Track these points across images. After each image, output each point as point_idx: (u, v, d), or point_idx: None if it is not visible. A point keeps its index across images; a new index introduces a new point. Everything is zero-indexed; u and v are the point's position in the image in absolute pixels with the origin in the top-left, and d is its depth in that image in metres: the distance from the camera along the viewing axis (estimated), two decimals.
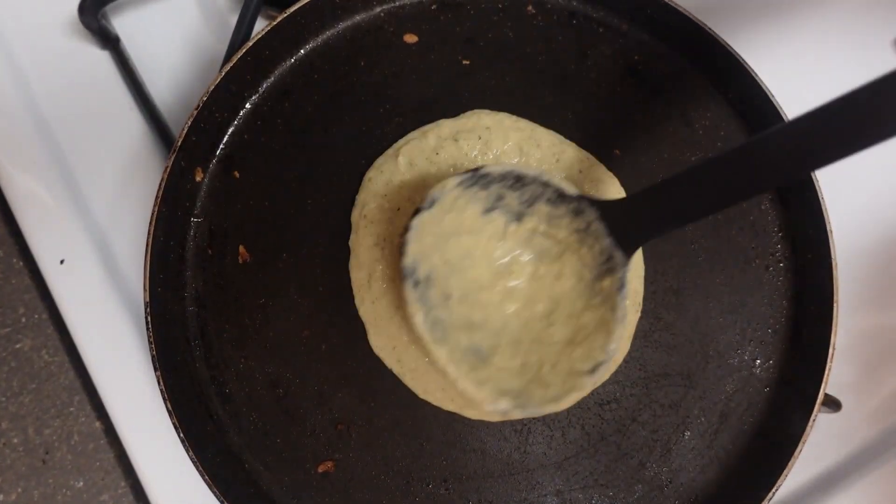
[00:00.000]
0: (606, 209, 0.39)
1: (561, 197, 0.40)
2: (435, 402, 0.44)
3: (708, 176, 0.34)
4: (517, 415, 0.37)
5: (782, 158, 0.30)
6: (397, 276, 0.41)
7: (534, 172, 0.40)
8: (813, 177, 0.44)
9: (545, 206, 0.40)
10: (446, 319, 0.39)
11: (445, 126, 0.47)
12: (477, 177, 0.39)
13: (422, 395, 0.44)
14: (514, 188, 0.40)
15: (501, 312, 0.41)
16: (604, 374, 0.38)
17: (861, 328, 0.54)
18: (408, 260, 0.38)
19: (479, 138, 0.46)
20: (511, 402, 0.37)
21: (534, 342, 0.40)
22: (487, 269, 0.41)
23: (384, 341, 0.44)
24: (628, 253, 0.38)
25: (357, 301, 0.45)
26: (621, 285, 0.38)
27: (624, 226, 0.38)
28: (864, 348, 0.54)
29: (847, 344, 0.53)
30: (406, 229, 0.39)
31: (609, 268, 0.39)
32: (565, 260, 0.41)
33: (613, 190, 0.46)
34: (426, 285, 0.39)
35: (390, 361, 0.44)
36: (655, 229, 0.38)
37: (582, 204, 0.39)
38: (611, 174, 0.47)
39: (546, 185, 0.40)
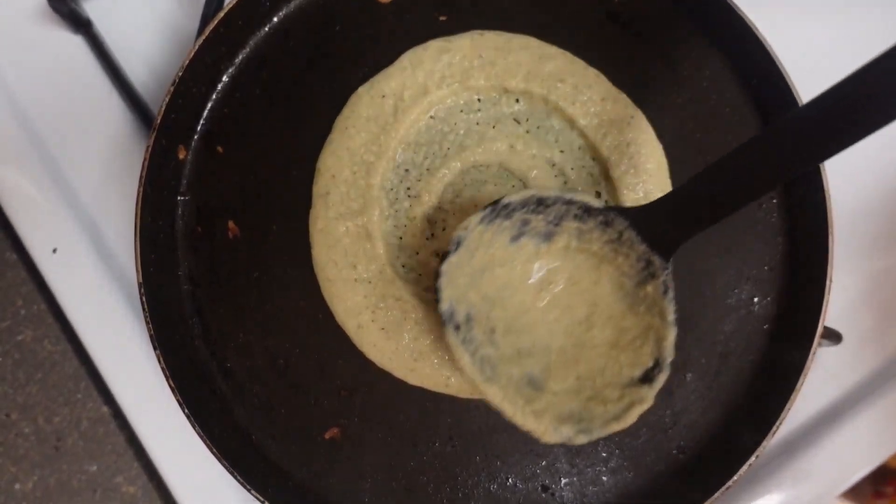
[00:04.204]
0: (635, 216, 0.38)
1: (587, 211, 0.39)
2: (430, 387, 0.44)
3: (728, 173, 0.34)
4: (582, 439, 0.37)
5: (809, 141, 0.30)
6: (437, 325, 0.41)
7: (555, 193, 0.39)
8: None
9: (573, 223, 0.40)
10: (494, 355, 0.39)
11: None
12: (498, 209, 0.39)
13: (413, 382, 0.44)
14: (537, 212, 0.39)
15: (546, 326, 0.40)
16: (660, 382, 0.37)
17: (861, 262, 0.54)
18: (444, 306, 0.38)
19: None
20: (573, 427, 0.37)
21: (577, 347, 0.40)
22: (526, 293, 0.41)
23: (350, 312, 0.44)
24: (666, 256, 0.38)
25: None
26: (665, 289, 0.38)
27: (657, 230, 0.38)
28: (865, 283, 0.54)
29: (846, 277, 0.53)
30: (436, 275, 0.38)
31: (650, 273, 0.38)
32: (602, 270, 0.40)
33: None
34: (468, 326, 0.39)
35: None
36: (691, 228, 0.37)
37: (610, 215, 0.39)
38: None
39: (570, 202, 0.39)
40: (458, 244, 0.39)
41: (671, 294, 0.38)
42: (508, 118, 0.46)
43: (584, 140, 0.45)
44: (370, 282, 0.43)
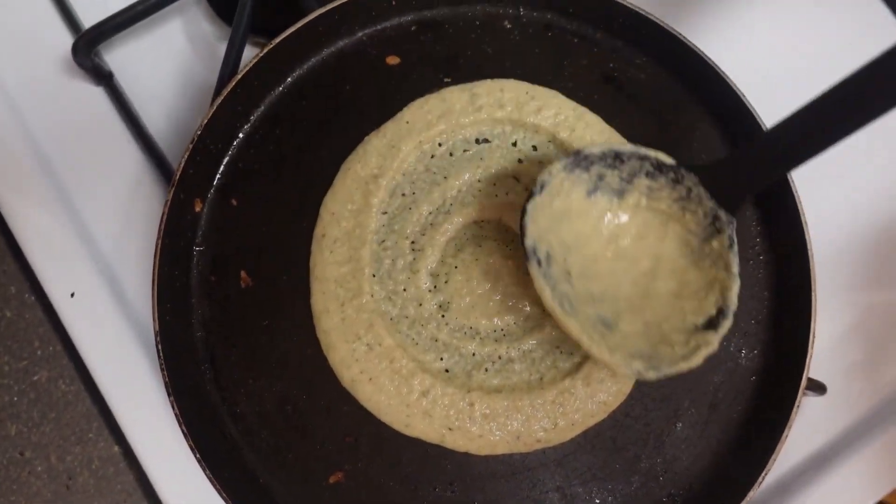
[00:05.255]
0: (704, 173, 0.41)
1: (659, 168, 0.42)
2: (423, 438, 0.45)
3: (788, 130, 0.37)
4: (652, 376, 0.39)
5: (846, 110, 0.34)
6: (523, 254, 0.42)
7: (631, 148, 0.42)
8: (788, 175, 0.46)
9: (645, 180, 0.43)
10: (571, 294, 0.41)
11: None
12: (579, 159, 0.42)
13: (409, 434, 0.45)
14: (613, 166, 0.42)
15: (614, 276, 0.43)
16: (725, 328, 0.40)
17: (844, 314, 0.56)
18: (528, 241, 0.40)
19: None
20: (643, 363, 0.39)
21: (643, 297, 0.42)
22: (598, 243, 0.43)
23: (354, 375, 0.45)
24: (733, 211, 0.41)
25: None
26: (731, 242, 0.41)
27: (724, 186, 0.41)
28: (849, 333, 0.56)
29: (831, 329, 0.55)
30: (522, 212, 0.41)
31: (717, 228, 0.41)
32: (669, 228, 0.43)
33: None
34: (547, 263, 0.41)
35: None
36: (754, 184, 0.41)
37: (680, 172, 0.42)
38: None
39: (644, 157, 0.42)
40: (542, 187, 0.41)
41: (736, 248, 0.41)
42: (509, 176, 0.48)
43: None
44: (360, 337, 0.45)
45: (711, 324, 0.40)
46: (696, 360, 0.39)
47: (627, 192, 0.43)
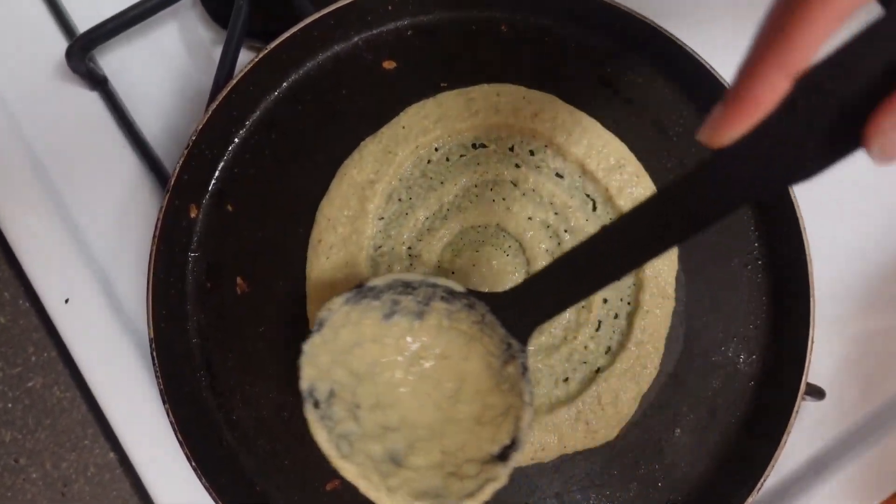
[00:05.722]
0: (494, 301, 0.40)
1: (451, 294, 0.40)
2: None
3: (576, 263, 0.36)
4: None
5: (648, 235, 0.33)
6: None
7: (419, 277, 0.40)
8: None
9: (441, 304, 0.41)
10: (355, 431, 0.40)
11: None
12: (363, 291, 0.40)
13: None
14: (405, 293, 0.41)
15: (415, 401, 0.41)
16: (514, 461, 0.38)
17: (843, 321, 0.56)
18: (304, 384, 0.39)
19: None
20: (428, 501, 0.38)
21: (444, 422, 0.40)
22: (398, 368, 0.41)
23: None
24: (523, 340, 0.39)
25: None
26: (524, 370, 0.39)
27: (513, 315, 0.39)
28: (848, 340, 0.56)
29: (829, 334, 0.54)
30: (299, 353, 0.40)
31: (511, 354, 0.39)
32: (472, 347, 0.41)
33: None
34: (328, 403, 0.40)
35: None
36: (540, 316, 0.39)
37: (471, 299, 0.40)
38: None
39: (434, 285, 0.40)
40: (322, 324, 0.40)
41: (528, 376, 0.39)
42: (506, 180, 0.48)
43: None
44: None
45: (504, 455, 0.38)
46: (483, 496, 0.37)
47: (427, 314, 0.41)
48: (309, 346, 0.40)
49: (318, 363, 0.40)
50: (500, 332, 0.39)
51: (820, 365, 0.51)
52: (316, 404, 0.39)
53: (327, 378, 0.40)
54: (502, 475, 0.38)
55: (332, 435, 0.39)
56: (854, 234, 0.57)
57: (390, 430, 0.40)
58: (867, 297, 0.56)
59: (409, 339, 0.41)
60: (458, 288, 0.40)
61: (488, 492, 0.38)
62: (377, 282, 0.40)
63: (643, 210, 0.33)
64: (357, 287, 0.40)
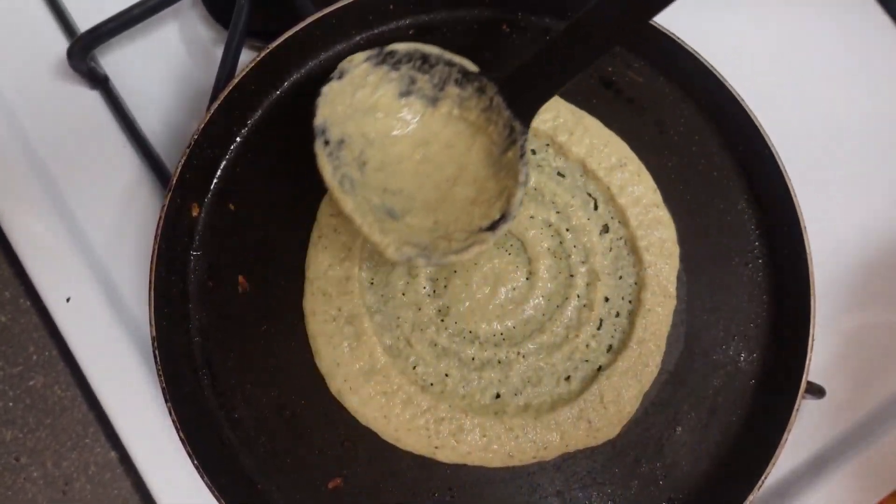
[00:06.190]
0: (504, 82, 0.43)
1: (466, 76, 0.43)
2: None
3: (567, 42, 0.40)
4: (421, 263, 0.40)
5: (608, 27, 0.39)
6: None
7: (437, 51, 0.43)
8: (786, 176, 0.46)
9: (455, 88, 0.44)
10: (358, 180, 0.42)
11: None
12: (384, 54, 0.43)
13: (401, 447, 0.45)
14: (422, 70, 0.44)
15: (416, 178, 0.44)
16: (502, 230, 0.41)
17: (842, 319, 0.56)
18: (318, 121, 0.41)
19: None
20: (415, 250, 0.40)
21: (440, 200, 0.43)
22: (406, 145, 0.44)
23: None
24: (526, 122, 0.42)
25: None
26: (522, 153, 0.42)
27: (519, 94, 0.42)
28: (848, 336, 0.56)
29: (830, 333, 0.55)
30: (318, 94, 0.41)
31: (512, 139, 0.42)
32: (476, 139, 0.44)
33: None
34: (338, 147, 0.42)
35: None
36: (543, 92, 0.42)
37: (483, 80, 0.43)
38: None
39: (450, 63, 0.43)
40: (342, 74, 0.42)
41: (526, 158, 0.42)
42: None
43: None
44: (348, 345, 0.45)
45: (493, 226, 0.41)
46: (468, 254, 0.40)
47: (440, 101, 0.44)
48: (328, 89, 0.42)
49: (335, 108, 0.42)
50: (505, 115, 0.42)
51: (820, 363, 0.51)
52: (326, 143, 0.41)
53: (339, 126, 0.42)
54: (489, 240, 0.40)
55: (337, 173, 0.41)
56: (851, 232, 0.57)
57: (390, 193, 0.42)
58: (863, 293, 0.56)
59: (420, 122, 0.44)
60: (472, 67, 0.43)
61: (473, 251, 0.40)
62: (398, 46, 0.43)
63: (574, 26, 0.40)
64: (380, 48, 0.42)
